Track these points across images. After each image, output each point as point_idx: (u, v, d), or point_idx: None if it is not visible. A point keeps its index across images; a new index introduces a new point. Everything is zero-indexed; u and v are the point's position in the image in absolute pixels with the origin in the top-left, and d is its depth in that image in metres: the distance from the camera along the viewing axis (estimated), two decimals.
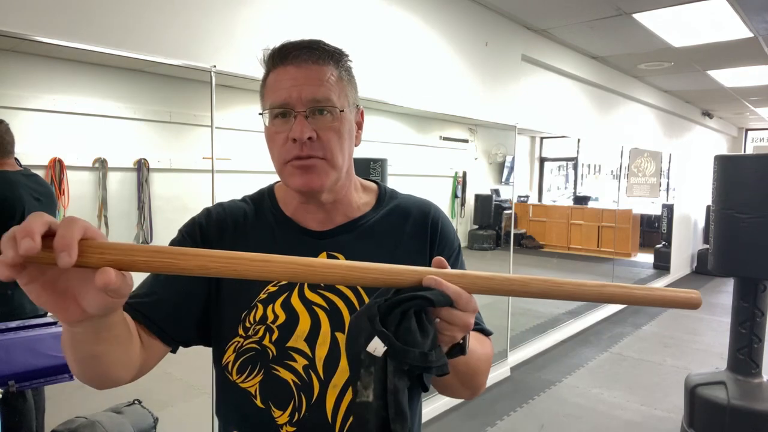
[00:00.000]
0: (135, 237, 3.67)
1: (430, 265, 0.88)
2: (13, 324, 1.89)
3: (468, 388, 0.82)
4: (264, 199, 0.90)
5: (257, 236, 0.85)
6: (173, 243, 0.84)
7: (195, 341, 0.85)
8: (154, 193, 3.72)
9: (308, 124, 0.76)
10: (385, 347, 0.58)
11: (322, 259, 0.68)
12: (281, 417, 0.79)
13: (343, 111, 0.79)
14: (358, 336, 0.61)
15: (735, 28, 4.10)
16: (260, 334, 0.80)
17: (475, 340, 0.77)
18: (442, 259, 0.65)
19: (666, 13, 3.75)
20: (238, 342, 0.80)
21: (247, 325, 0.80)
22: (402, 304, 0.59)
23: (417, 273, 0.61)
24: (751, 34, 4.23)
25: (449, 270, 0.63)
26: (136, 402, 2.25)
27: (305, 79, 0.76)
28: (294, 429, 0.79)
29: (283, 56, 0.78)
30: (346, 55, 0.83)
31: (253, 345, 0.80)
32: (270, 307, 0.80)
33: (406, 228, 0.88)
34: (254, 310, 0.80)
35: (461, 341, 0.66)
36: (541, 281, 0.63)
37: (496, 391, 3.75)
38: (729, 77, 5.91)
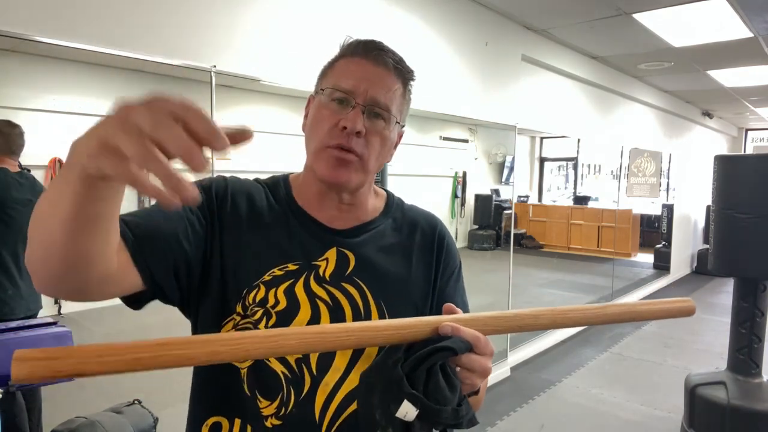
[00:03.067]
0: None
1: (437, 277, 0.88)
2: (13, 324, 1.89)
3: None
4: (279, 185, 0.88)
5: (273, 222, 0.83)
6: None
7: (173, 295, 0.74)
8: None
9: (362, 119, 0.77)
10: (417, 410, 0.55)
11: (333, 325, 0.61)
12: (267, 408, 0.77)
13: (398, 122, 0.82)
14: (371, 395, 0.58)
15: (735, 28, 4.10)
16: (257, 316, 0.77)
17: None
18: (453, 305, 0.65)
19: (666, 13, 3.75)
20: (235, 320, 0.78)
21: (247, 304, 0.78)
22: (426, 359, 0.57)
23: (430, 323, 0.59)
24: (751, 34, 4.23)
25: (461, 315, 0.63)
26: (136, 402, 2.25)
27: (377, 79, 0.78)
28: (279, 423, 0.76)
29: (367, 50, 0.80)
30: (414, 78, 0.85)
31: (249, 326, 0.77)
32: (273, 291, 0.78)
33: (416, 238, 0.89)
34: (256, 290, 0.78)
35: None
36: (549, 312, 0.65)
37: (496, 391, 3.75)
38: (729, 77, 5.91)
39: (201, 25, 2.14)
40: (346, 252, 0.82)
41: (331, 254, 0.82)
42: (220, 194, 0.82)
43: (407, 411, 0.55)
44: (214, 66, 2.16)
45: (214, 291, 0.79)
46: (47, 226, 0.54)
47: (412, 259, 0.86)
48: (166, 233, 0.72)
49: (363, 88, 0.77)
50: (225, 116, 2.56)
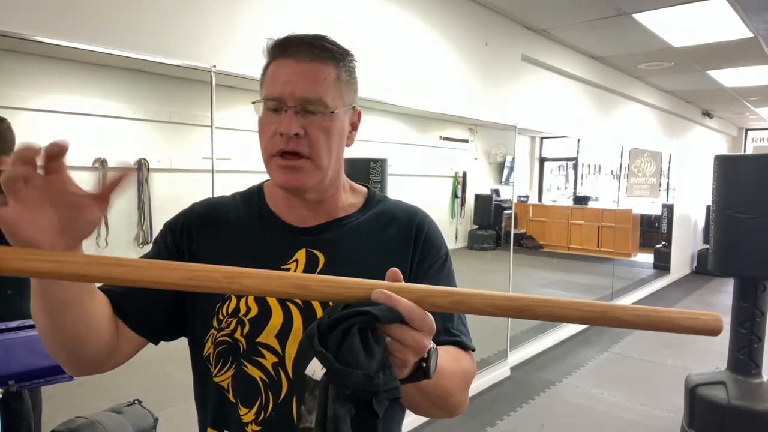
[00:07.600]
0: (135, 237, 3.67)
1: (411, 272, 0.85)
2: (13, 324, 1.89)
3: (442, 409, 0.77)
4: (253, 194, 0.90)
5: (241, 234, 0.85)
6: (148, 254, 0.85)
7: (173, 334, 0.84)
8: (154, 193, 3.72)
9: (297, 120, 0.75)
10: (324, 370, 0.53)
11: (271, 272, 0.60)
12: (247, 415, 0.78)
13: (333, 112, 0.78)
14: (304, 357, 0.56)
15: (735, 28, 4.10)
16: (232, 326, 0.79)
17: (448, 357, 0.72)
18: (397, 270, 0.60)
19: (666, 13, 3.75)
20: (214, 334, 0.80)
21: (221, 317, 0.79)
22: (344, 321, 0.54)
23: (367, 286, 0.57)
24: (751, 34, 4.23)
25: (405, 284, 0.59)
26: (136, 402, 2.24)
27: (301, 76, 0.76)
28: (259, 429, 0.77)
29: (284, 48, 0.78)
30: (350, 55, 0.82)
31: (226, 338, 0.79)
32: (243, 299, 0.79)
33: (391, 231, 0.87)
34: (228, 302, 0.80)
35: (423, 364, 0.61)
36: (521, 300, 0.57)
37: (496, 391, 3.75)
38: (729, 77, 5.91)
39: (201, 25, 2.14)
40: (315, 251, 0.83)
41: (301, 255, 0.82)
42: (186, 227, 0.86)
43: (315, 369, 0.54)
44: (214, 66, 2.16)
45: (192, 311, 0.82)
46: (38, 324, 0.68)
47: (386, 252, 0.85)
48: (146, 290, 0.75)
49: (289, 90, 0.76)
50: (225, 116, 2.56)
